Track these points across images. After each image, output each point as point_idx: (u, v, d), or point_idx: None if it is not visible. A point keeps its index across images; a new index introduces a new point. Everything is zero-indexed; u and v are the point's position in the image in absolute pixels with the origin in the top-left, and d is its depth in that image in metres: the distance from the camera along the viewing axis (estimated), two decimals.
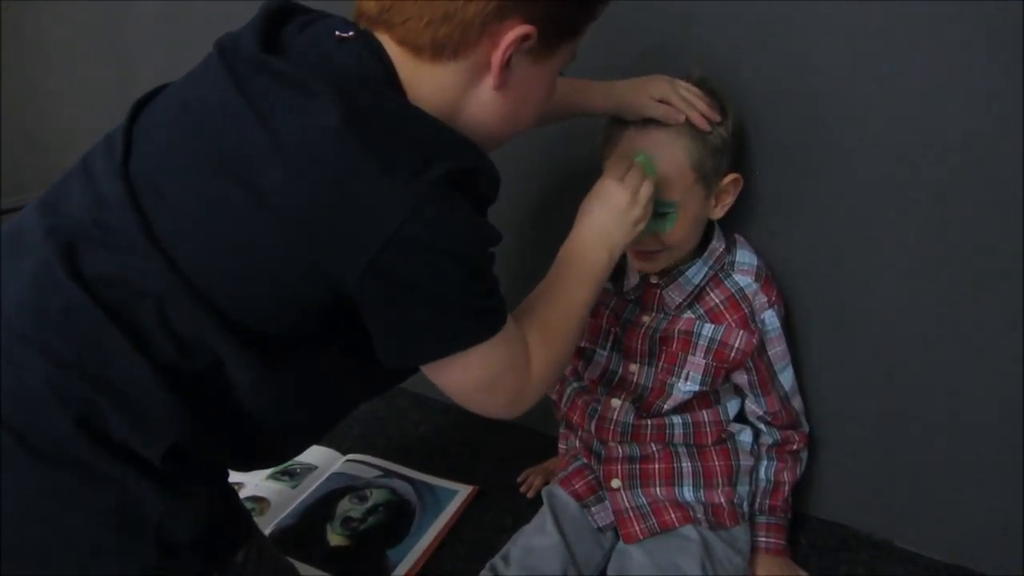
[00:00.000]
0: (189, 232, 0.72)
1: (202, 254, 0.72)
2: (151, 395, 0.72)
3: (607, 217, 0.94)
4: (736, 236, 1.15)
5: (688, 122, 1.01)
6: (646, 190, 0.95)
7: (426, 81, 0.77)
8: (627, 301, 1.15)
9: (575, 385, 1.22)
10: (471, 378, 0.81)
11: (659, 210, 1.01)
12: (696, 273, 1.09)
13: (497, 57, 0.76)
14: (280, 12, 0.82)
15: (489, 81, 0.78)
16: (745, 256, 1.12)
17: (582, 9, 0.80)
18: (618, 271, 1.15)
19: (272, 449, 0.88)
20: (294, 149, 0.69)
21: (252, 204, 0.70)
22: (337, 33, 0.77)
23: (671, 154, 1.01)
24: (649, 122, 1.02)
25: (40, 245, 0.74)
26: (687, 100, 1.02)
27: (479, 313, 0.77)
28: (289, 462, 1.40)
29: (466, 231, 0.73)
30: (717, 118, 1.03)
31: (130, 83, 1.88)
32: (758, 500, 1.16)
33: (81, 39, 1.97)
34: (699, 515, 1.11)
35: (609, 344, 1.16)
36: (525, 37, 0.75)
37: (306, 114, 0.70)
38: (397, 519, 1.28)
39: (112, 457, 0.71)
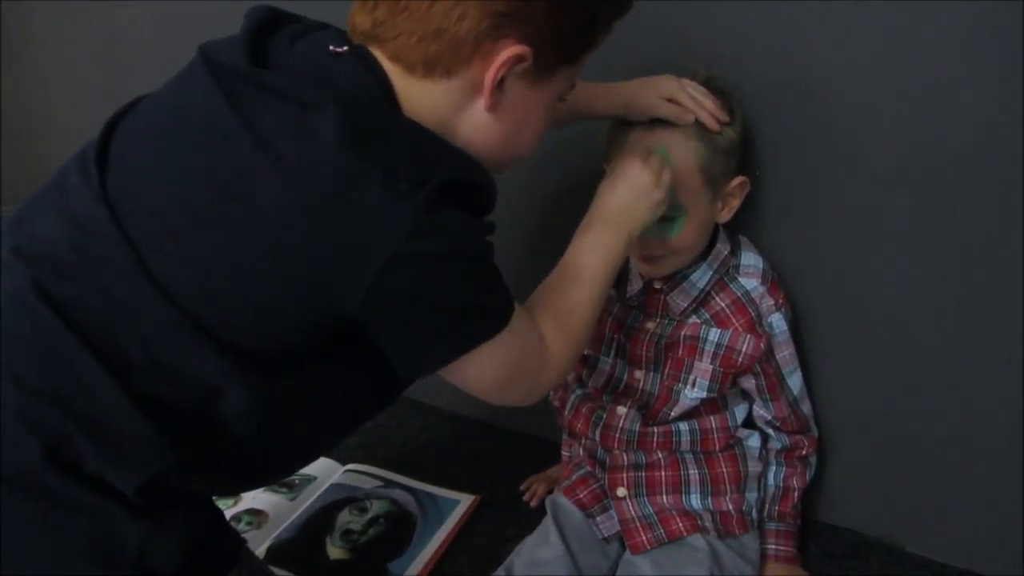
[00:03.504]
0: (182, 255, 0.70)
1: (196, 278, 0.70)
2: (128, 427, 0.69)
3: (631, 196, 0.92)
4: (740, 238, 1.12)
5: (697, 122, 0.99)
6: (668, 175, 0.94)
7: (418, 98, 0.75)
8: (630, 307, 1.13)
9: (578, 392, 1.20)
10: (488, 373, 0.80)
11: (667, 214, 0.99)
12: (701, 277, 1.07)
13: (490, 76, 0.74)
14: (267, 21, 0.79)
15: (482, 102, 0.76)
16: (750, 259, 1.10)
17: (582, 34, 0.78)
18: (620, 276, 1.13)
19: (261, 474, 0.86)
20: (293, 166, 0.67)
21: (250, 223, 0.68)
22: (332, 48, 0.75)
23: (679, 156, 0.99)
24: (656, 122, 1.00)
25: (9, 267, 0.71)
26: (696, 99, 0.99)
27: (486, 309, 0.76)
28: None
29: (464, 235, 0.72)
30: (726, 118, 1.01)
31: (123, 91, 1.85)
32: (767, 507, 1.14)
33: (72, 43, 1.95)
34: (707, 523, 1.09)
35: (613, 351, 1.14)
36: (520, 58, 0.74)
37: (305, 130, 0.68)
38: (398, 530, 1.25)
39: (84, 487, 0.69)
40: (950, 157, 1.00)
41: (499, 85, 0.75)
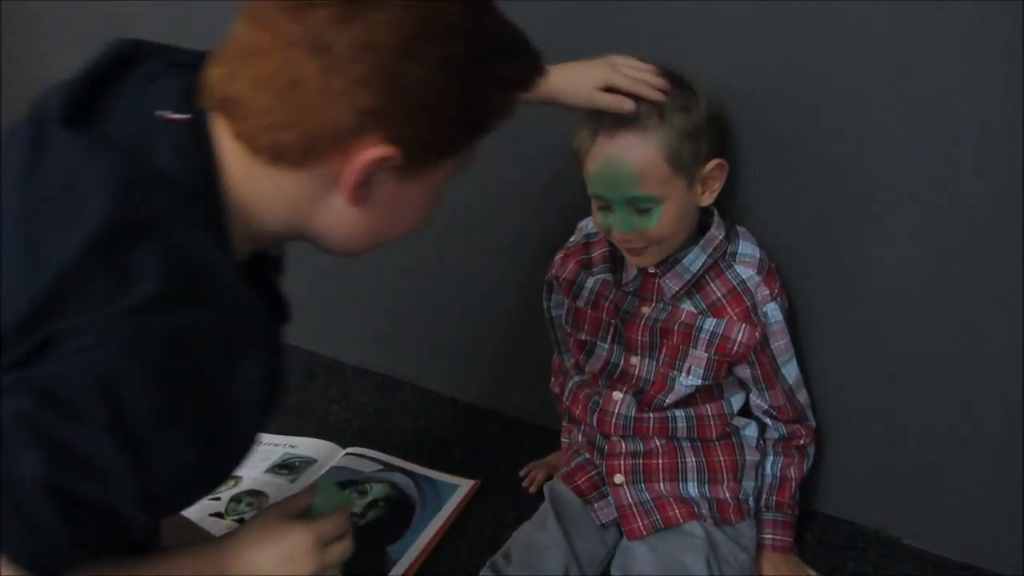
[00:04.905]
0: None
1: None
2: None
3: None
4: (738, 228, 1.12)
5: (656, 112, 0.98)
6: (338, 550, 0.80)
7: (261, 182, 0.67)
8: (626, 293, 1.13)
9: (577, 379, 1.20)
10: None
11: (642, 206, 1.00)
12: (694, 260, 1.07)
13: (348, 178, 0.65)
14: (118, 61, 0.70)
15: (343, 195, 0.67)
16: (747, 248, 1.10)
17: (461, 131, 0.69)
18: (617, 263, 1.14)
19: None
20: (41, 254, 0.61)
21: None
22: (165, 114, 0.66)
23: (643, 153, 0.98)
24: (619, 126, 0.98)
25: None
26: (631, 79, 0.98)
27: (46, 514, 0.59)
28: (289, 455, 1.40)
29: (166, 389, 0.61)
30: (667, 86, 0.99)
31: None
32: (764, 496, 1.15)
33: (73, 35, 1.95)
34: (704, 511, 1.10)
35: (610, 337, 1.14)
36: (384, 159, 0.65)
37: (65, 222, 0.61)
38: (397, 514, 1.26)
39: None
40: (949, 150, 1.00)
41: (363, 183, 0.66)
